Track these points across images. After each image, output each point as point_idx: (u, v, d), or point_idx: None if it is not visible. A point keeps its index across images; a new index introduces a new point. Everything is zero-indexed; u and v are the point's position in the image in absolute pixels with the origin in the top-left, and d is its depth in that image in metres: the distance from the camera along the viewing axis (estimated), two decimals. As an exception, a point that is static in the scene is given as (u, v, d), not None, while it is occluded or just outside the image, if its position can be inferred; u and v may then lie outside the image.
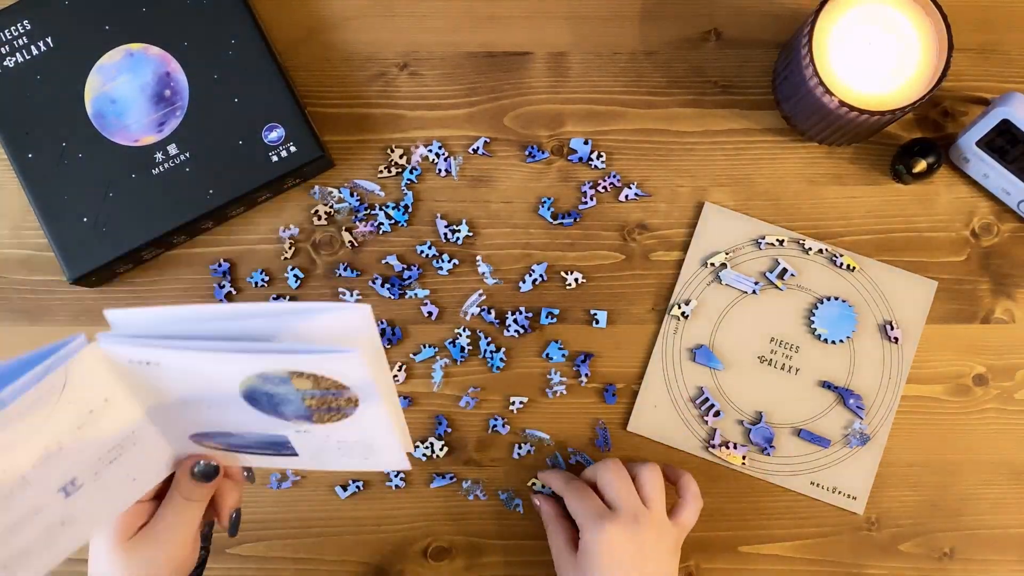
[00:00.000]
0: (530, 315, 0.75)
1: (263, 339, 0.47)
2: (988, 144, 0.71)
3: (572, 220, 0.75)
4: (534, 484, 0.73)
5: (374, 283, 0.75)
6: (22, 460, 0.46)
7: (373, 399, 0.48)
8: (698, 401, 0.74)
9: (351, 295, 0.74)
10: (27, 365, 0.45)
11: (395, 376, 0.74)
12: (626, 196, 0.75)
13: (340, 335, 0.47)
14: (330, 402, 0.49)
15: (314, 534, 0.74)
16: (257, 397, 0.49)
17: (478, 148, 0.76)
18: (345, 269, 0.75)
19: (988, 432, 0.74)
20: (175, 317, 0.47)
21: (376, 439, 0.52)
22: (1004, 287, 0.75)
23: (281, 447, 0.54)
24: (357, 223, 0.75)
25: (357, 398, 0.48)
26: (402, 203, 0.75)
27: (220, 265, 0.75)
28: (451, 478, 0.74)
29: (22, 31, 0.72)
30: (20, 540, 0.48)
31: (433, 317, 0.75)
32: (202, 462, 0.55)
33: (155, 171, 0.72)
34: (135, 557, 0.54)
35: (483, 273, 0.75)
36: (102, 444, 0.50)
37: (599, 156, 0.76)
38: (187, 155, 0.72)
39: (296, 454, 0.55)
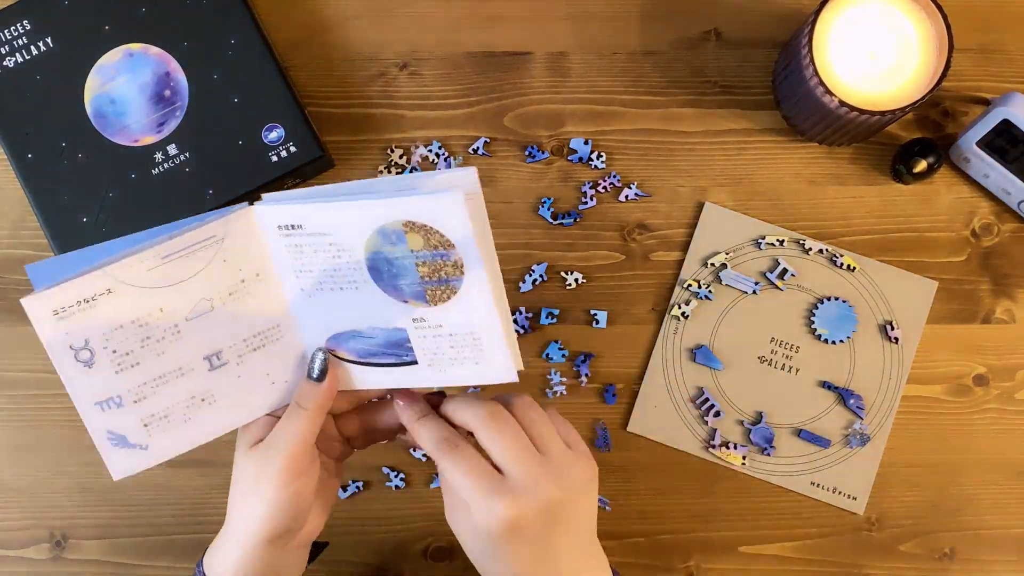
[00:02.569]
0: (530, 315, 0.75)
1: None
2: (988, 144, 0.71)
3: (572, 220, 0.75)
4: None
5: (374, 283, 0.75)
6: (179, 305, 0.53)
7: (475, 262, 0.51)
8: (698, 401, 0.74)
9: (351, 295, 0.75)
10: (196, 220, 0.53)
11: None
12: (626, 196, 0.75)
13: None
14: (439, 268, 0.52)
15: (314, 534, 0.74)
16: (379, 266, 0.53)
17: (478, 148, 0.76)
18: (345, 269, 0.75)
19: (988, 432, 0.74)
20: (320, 192, 0.53)
21: (484, 330, 0.54)
22: (1004, 287, 0.75)
23: (402, 350, 0.56)
24: (357, 223, 0.75)
25: (461, 261, 0.51)
26: (402, 203, 0.75)
27: (220, 265, 0.75)
28: (451, 478, 0.74)
29: (22, 31, 0.72)
30: (164, 399, 0.55)
31: (433, 317, 0.75)
32: (319, 353, 0.56)
33: (155, 171, 0.72)
34: (253, 463, 0.55)
35: (483, 273, 0.75)
36: (249, 324, 0.56)
37: (599, 156, 0.76)
38: (187, 155, 0.72)
39: (416, 361, 0.56)
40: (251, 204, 0.54)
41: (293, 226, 0.53)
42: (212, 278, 0.54)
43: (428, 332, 0.55)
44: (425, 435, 0.54)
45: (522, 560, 0.51)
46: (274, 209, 0.53)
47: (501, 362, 0.55)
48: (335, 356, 0.57)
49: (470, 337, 0.54)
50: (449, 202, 0.49)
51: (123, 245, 0.53)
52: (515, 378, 0.55)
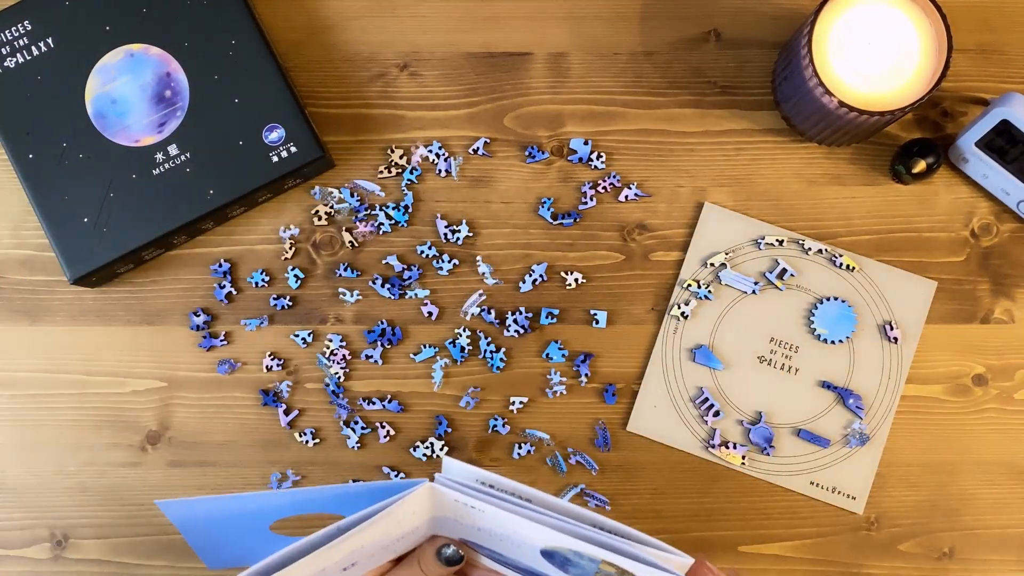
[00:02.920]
0: (530, 315, 0.75)
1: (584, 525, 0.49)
2: (987, 144, 0.71)
3: (572, 220, 0.75)
4: None
5: (374, 283, 0.75)
6: (332, 560, 0.50)
7: None
8: (698, 401, 0.74)
9: (351, 295, 0.75)
10: (377, 494, 0.49)
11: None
12: (626, 196, 0.75)
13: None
14: None
15: (314, 534, 0.74)
16: (554, 555, 0.51)
17: (478, 148, 0.76)
18: (345, 269, 0.75)
19: (988, 432, 0.74)
20: (499, 483, 0.51)
21: None
22: (1003, 287, 0.75)
23: None
24: (357, 223, 0.75)
25: None
26: (402, 203, 0.75)
27: (220, 265, 0.75)
28: (451, 478, 0.74)
29: (23, 31, 0.72)
30: None
31: (433, 317, 0.75)
32: (452, 547, 0.55)
33: (155, 171, 0.72)
34: None
35: (483, 273, 0.75)
36: (391, 538, 0.53)
37: (599, 156, 0.76)
38: (187, 155, 0.72)
39: None
40: (431, 480, 0.50)
41: (472, 507, 0.51)
42: (371, 535, 0.50)
43: None
44: None
45: None
46: (456, 495, 0.50)
47: None
48: (467, 545, 0.56)
49: None
50: None
51: (260, 502, 0.50)
52: None
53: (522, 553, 0.53)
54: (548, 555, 0.52)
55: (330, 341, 0.74)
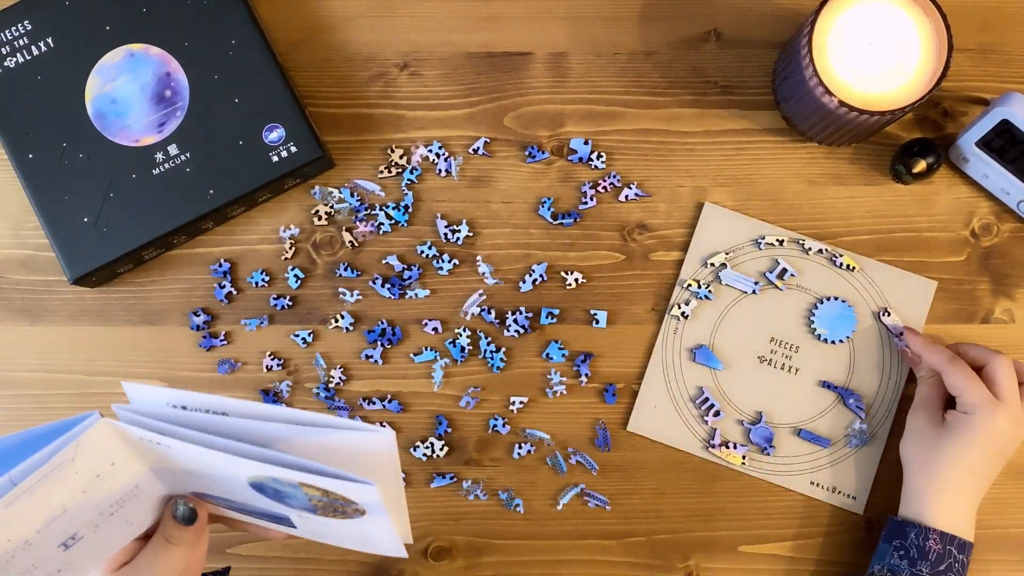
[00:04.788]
0: (530, 315, 0.75)
1: (278, 441, 0.47)
2: (988, 144, 0.71)
3: (572, 220, 0.75)
4: (900, 337, 0.72)
5: (374, 283, 0.75)
6: (28, 527, 0.47)
7: (380, 514, 0.49)
8: (698, 401, 0.74)
9: (351, 295, 0.75)
10: (42, 439, 0.45)
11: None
12: (626, 196, 0.75)
13: (358, 453, 0.47)
14: (337, 508, 0.49)
15: (314, 534, 0.74)
16: (263, 488, 0.49)
17: (478, 148, 0.76)
18: (345, 269, 0.75)
19: (988, 432, 0.74)
20: (194, 401, 0.48)
21: (376, 536, 0.53)
22: (1004, 287, 0.75)
23: (281, 520, 0.55)
24: (357, 223, 0.75)
25: (364, 511, 0.49)
26: (402, 203, 0.75)
27: (220, 265, 0.75)
28: (451, 478, 0.74)
29: (23, 31, 0.72)
30: None
31: (437, 333, 0.75)
32: (181, 505, 0.53)
33: (155, 171, 0.72)
34: None
35: (483, 273, 0.75)
36: (105, 501, 0.50)
37: (599, 156, 0.76)
38: (187, 155, 0.72)
39: (295, 527, 0.55)
40: (103, 413, 0.47)
41: (159, 443, 0.48)
42: (63, 490, 0.47)
43: (313, 522, 0.53)
44: (936, 352, 0.70)
45: (977, 453, 0.67)
46: (135, 429, 0.47)
47: (390, 546, 0.53)
48: (201, 498, 0.54)
49: (359, 536, 0.53)
50: (364, 492, 0.46)
51: None
52: (403, 554, 0.54)
53: (237, 492, 0.51)
54: (258, 487, 0.49)
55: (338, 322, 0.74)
